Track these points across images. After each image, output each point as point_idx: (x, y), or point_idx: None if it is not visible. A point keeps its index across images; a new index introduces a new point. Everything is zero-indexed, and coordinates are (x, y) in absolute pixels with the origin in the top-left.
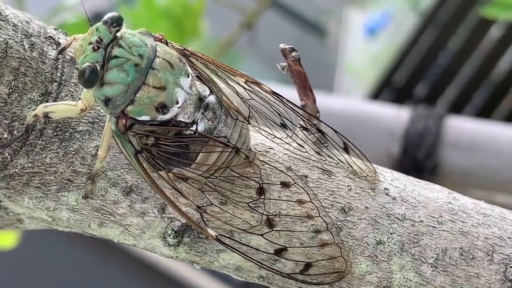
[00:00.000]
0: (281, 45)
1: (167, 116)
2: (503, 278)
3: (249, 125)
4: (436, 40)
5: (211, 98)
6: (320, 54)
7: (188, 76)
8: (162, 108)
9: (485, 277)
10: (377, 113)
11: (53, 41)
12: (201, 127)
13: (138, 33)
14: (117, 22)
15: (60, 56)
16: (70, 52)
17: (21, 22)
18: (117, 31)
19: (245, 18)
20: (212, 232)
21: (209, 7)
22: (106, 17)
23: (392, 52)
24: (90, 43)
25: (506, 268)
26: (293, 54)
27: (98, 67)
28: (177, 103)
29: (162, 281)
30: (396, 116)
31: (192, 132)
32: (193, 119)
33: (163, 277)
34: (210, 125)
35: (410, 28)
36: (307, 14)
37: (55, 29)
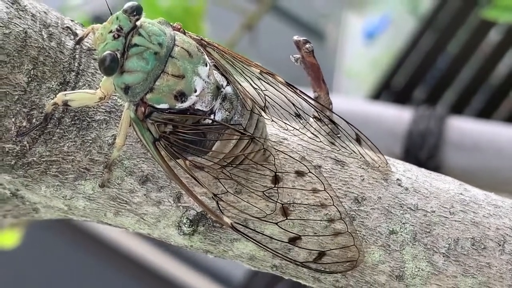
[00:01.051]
0: (295, 37)
1: (185, 104)
2: None
3: (264, 115)
4: (435, 43)
5: (229, 89)
6: (319, 57)
7: (206, 65)
8: (181, 96)
9: (496, 266)
10: (379, 113)
11: (70, 31)
12: (218, 117)
13: (157, 22)
14: (137, 11)
15: (77, 46)
16: (87, 42)
17: (39, 13)
18: (137, 20)
19: (246, 19)
20: (227, 220)
21: (210, 9)
22: (126, 6)
23: (391, 56)
24: (111, 32)
25: None
26: (307, 46)
27: (119, 55)
28: (195, 91)
29: (163, 285)
30: (398, 116)
31: (210, 121)
32: (210, 107)
33: (164, 281)
34: (227, 115)
35: (409, 32)
36: (306, 18)
37: (71, 20)
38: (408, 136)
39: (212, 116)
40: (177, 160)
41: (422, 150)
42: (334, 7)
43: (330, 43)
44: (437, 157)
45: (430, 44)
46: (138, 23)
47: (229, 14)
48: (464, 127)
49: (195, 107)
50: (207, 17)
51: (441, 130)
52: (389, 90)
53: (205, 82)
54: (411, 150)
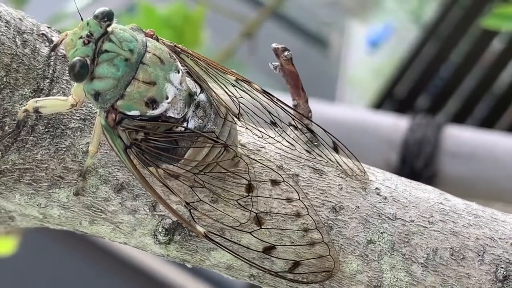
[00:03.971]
0: (273, 45)
1: (157, 111)
2: (494, 279)
3: (238, 123)
4: (438, 52)
5: (202, 97)
6: (322, 66)
7: (178, 72)
8: (152, 103)
9: (475, 277)
10: (376, 122)
11: (45, 38)
12: (191, 125)
13: (129, 28)
14: (107, 17)
15: (52, 53)
16: (63, 49)
17: (14, 19)
18: (108, 25)
19: (246, 27)
20: (201, 229)
21: (210, 17)
22: (97, 11)
23: (394, 65)
24: (81, 37)
25: (496, 268)
26: (285, 53)
27: (88, 61)
28: (167, 98)
29: None
30: (395, 125)
31: (183, 129)
32: (183, 115)
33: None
34: (200, 123)
35: (412, 41)
36: (309, 25)
37: (48, 27)
38: (404, 145)
39: (185, 124)
40: (149, 168)
41: (419, 159)
42: (337, 15)
43: (333, 52)
44: (433, 165)
45: (433, 53)
46: (109, 29)
47: (229, 22)
48: (461, 136)
49: (167, 114)
50: (207, 24)
51: (437, 138)
52: (391, 98)
53: (177, 89)
54: (407, 159)
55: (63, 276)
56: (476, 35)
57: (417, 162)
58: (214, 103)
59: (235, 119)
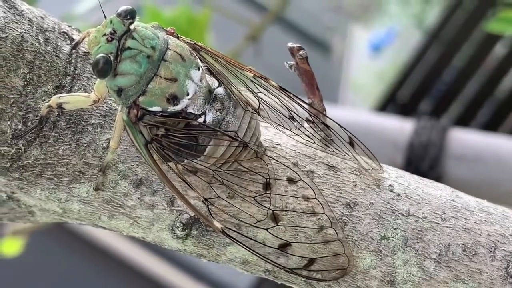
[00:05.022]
0: (289, 44)
1: (177, 108)
2: (505, 274)
3: (258, 116)
4: (441, 57)
5: (220, 90)
6: (324, 70)
7: (199, 69)
8: (173, 99)
9: (487, 273)
10: (381, 124)
11: (67, 36)
12: (209, 118)
13: (151, 26)
14: (130, 15)
15: (73, 51)
16: (84, 47)
17: (36, 18)
18: (131, 23)
19: (250, 31)
20: (218, 225)
21: (214, 20)
22: (120, 9)
23: (396, 69)
24: (104, 35)
25: (508, 264)
26: (301, 52)
27: (112, 58)
28: (188, 94)
29: None
30: (400, 128)
31: (200, 123)
32: (202, 111)
33: None
34: (218, 116)
35: (414, 45)
36: (312, 30)
37: (68, 25)
38: (409, 147)
39: (203, 117)
40: (169, 163)
41: (424, 161)
42: (340, 20)
43: (336, 56)
44: (438, 168)
45: (435, 57)
46: (131, 26)
47: (233, 25)
48: (466, 139)
49: (188, 111)
50: (212, 27)
51: (442, 141)
52: (394, 102)
53: (198, 85)
54: (413, 161)
55: (64, 276)
56: (479, 39)
57: (422, 165)
58: (234, 97)
59: (255, 113)
